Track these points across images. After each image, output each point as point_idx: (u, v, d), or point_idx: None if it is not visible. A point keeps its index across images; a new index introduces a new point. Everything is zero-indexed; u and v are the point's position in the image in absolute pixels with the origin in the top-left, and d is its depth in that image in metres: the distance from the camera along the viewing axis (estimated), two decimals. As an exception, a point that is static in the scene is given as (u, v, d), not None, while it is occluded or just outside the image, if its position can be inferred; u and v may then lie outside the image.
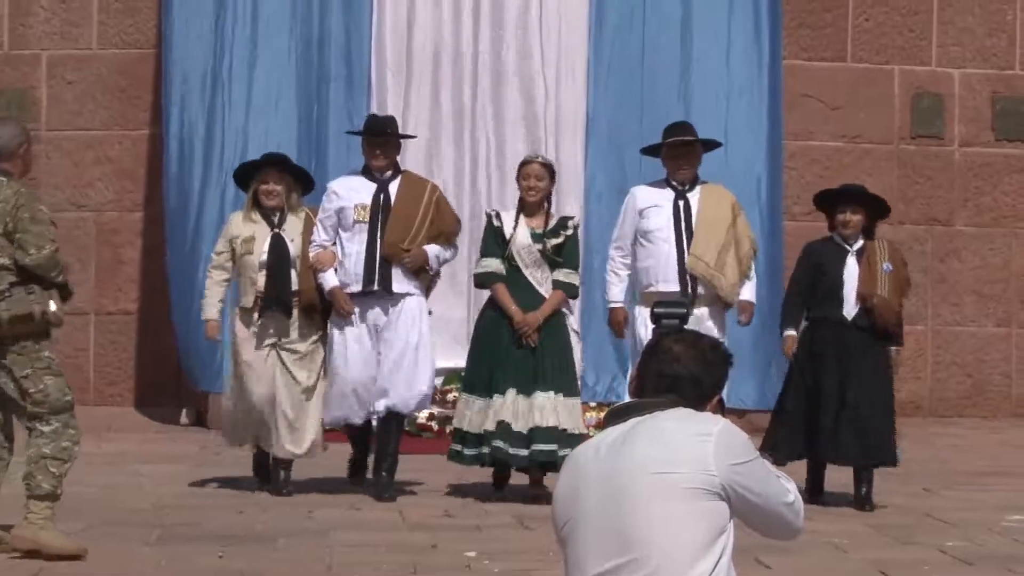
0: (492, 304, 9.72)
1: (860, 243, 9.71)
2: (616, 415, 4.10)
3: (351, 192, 9.67)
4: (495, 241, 9.69)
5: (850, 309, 9.54)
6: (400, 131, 10.05)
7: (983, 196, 14.82)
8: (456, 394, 13.41)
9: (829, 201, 9.95)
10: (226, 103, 13.48)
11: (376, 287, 9.48)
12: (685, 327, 4.58)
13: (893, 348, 9.79)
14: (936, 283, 13.26)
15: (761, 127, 14.35)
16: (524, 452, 9.25)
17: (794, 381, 9.82)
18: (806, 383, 9.71)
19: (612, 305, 9.85)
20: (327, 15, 14.69)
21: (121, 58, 14.78)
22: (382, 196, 9.60)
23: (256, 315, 9.69)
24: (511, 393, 9.31)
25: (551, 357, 9.49)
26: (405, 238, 9.53)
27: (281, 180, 9.72)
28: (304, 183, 10.05)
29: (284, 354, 9.72)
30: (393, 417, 9.73)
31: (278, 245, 9.63)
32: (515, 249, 9.56)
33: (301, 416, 9.78)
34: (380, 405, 9.59)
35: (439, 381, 13.58)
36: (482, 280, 9.84)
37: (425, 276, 9.75)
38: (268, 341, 9.70)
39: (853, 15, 14.83)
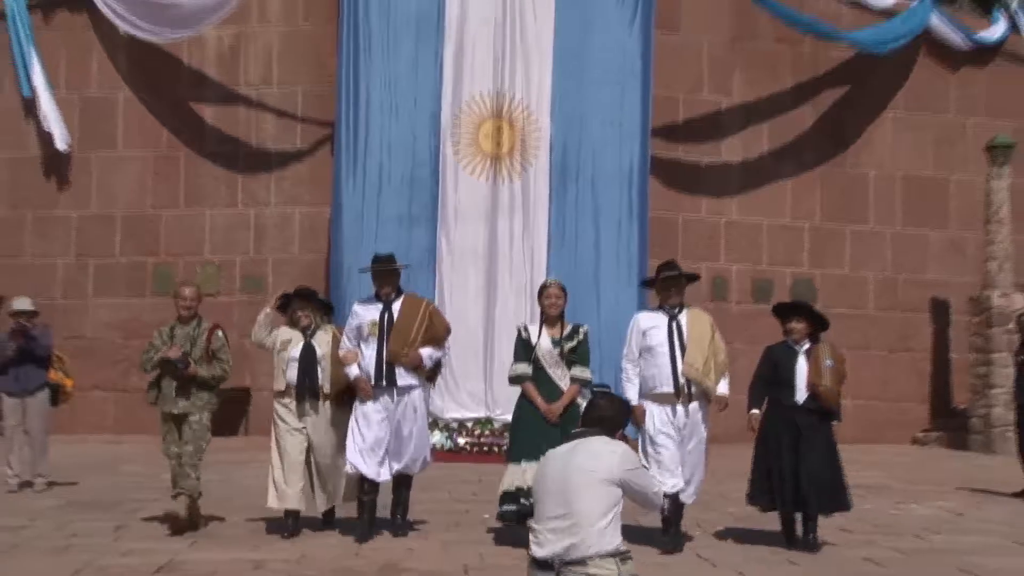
0: (523, 398, 9.52)
1: (807, 345, 9.64)
2: (572, 436, 6.01)
3: (366, 312, 9.78)
4: (524, 348, 9.53)
5: (801, 395, 9.51)
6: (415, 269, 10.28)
7: (751, 331, 16.87)
8: (480, 429, 17.11)
9: (783, 313, 9.96)
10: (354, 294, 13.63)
11: (384, 382, 9.59)
12: (609, 392, 6.45)
13: (834, 421, 9.78)
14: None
15: (632, 304, 16.33)
16: None
17: (761, 450, 9.82)
18: (770, 451, 9.68)
19: (632, 403, 9.19)
20: (416, 231, 17.83)
21: (307, 260, 18.83)
22: (387, 315, 9.69)
23: (286, 398, 9.94)
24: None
25: None
26: (404, 345, 9.59)
27: (307, 307, 10.07)
28: (327, 309, 10.55)
29: (313, 430, 9.91)
30: (404, 478, 9.89)
31: (309, 349, 9.86)
32: (540, 353, 9.42)
33: (328, 479, 10.00)
34: (395, 467, 9.72)
35: (470, 423, 17.20)
36: (515, 380, 9.60)
37: (423, 372, 9.77)
38: (295, 422, 9.90)
39: (682, 244, 18.81)
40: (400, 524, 9.86)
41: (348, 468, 9.71)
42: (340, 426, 9.89)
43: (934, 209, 20.55)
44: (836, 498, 9.55)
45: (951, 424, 19.86)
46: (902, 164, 20.59)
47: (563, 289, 9.70)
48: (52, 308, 17.53)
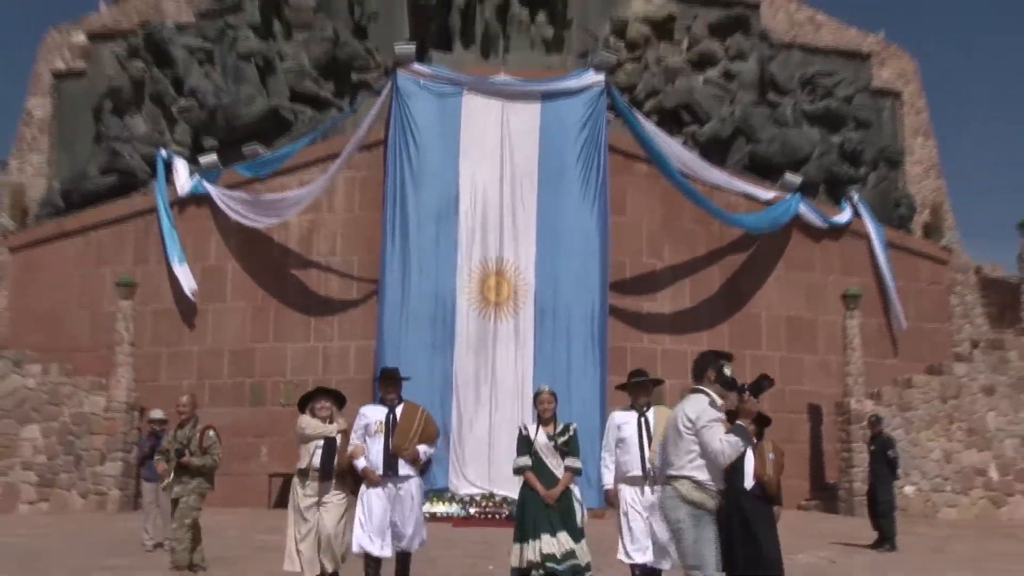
0: (525, 485, 8.54)
1: (753, 441, 8.42)
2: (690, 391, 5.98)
3: (373, 413, 8.92)
4: (525, 444, 8.59)
5: (749, 483, 8.50)
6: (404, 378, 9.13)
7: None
8: (485, 502, 16.75)
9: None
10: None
11: (389, 471, 8.71)
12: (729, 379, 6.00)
13: (776, 507, 8.82)
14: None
15: (596, 408, 17.09)
16: (561, 567, 8.14)
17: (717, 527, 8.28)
18: (722, 528, 7.89)
19: (607, 487, 8.64)
20: (436, 357, 17.47)
21: (360, 379, 17.87)
22: (391, 416, 8.83)
23: (307, 479, 8.86)
24: (546, 536, 8.20)
25: (568, 517, 8.34)
26: (405, 442, 8.76)
27: (327, 400, 9.08)
28: (340, 401, 9.27)
29: (323, 506, 8.84)
30: (405, 555, 8.86)
31: (330, 441, 8.87)
32: (538, 448, 8.50)
33: (332, 545, 8.83)
34: (397, 545, 8.76)
35: (478, 497, 16.80)
36: (518, 470, 8.63)
37: (418, 464, 8.94)
38: (314, 497, 8.85)
39: (630, 365, 16.20)
40: None
41: (355, 549, 8.78)
42: (343, 505, 8.92)
43: (808, 340, 20.51)
44: (774, 564, 8.50)
45: (824, 495, 19.63)
46: (784, 308, 20.57)
47: (554, 395, 8.74)
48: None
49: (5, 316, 20.65)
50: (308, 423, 8.95)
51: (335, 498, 8.83)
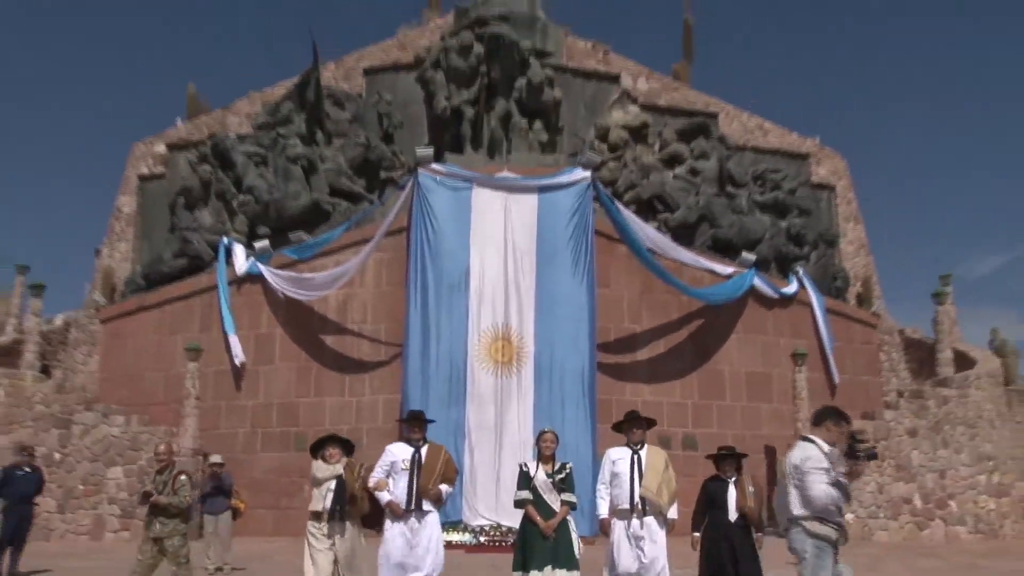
0: (525, 517, 8.00)
1: (735, 477, 8.43)
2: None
3: (399, 452, 8.31)
4: (525, 480, 8.04)
5: (732, 515, 8.20)
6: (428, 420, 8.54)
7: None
8: (493, 531, 16.29)
9: (716, 457, 8.65)
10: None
11: (413, 507, 8.14)
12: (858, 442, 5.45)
13: (759, 533, 8.38)
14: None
15: (588, 451, 16.80)
16: None
17: (705, 558, 8.35)
18: (711, 556, 8.24)
19: (601, 517, 8.08)
20: (451, 409, 16.97)
21: (387, 428, 17.62)
22: (416, 456, 8.24)
23: (321, 520, 8.31)
24: (547, 569, 7.68)
25: (564, 548, 7.78)
26: (430, 481, 8.20)
27: (336, 447, 8.52)
28: (348, 448, 8.71)
29: (338, 546, 8.28)
30: None
31: (340, 483, 8.32)
32: (537, 483, 7.95)
33: None
34: (417, 572, 8.12)
35: (487, 527, 16.40)
36: (519, 504, 8.09)
37: (441, 504, 8.40)
38: (328, 538, 8.28)
39: (615, 415, 15.48)
40: None
41: None
42: (356, 544, 8.35)
43: (764, 391, 19.98)
44: None
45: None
46: (744, 365, 20.11)
47: (556, 435, 8.22)
48: (235, 460, 17.39)
49: (96, 376, 20.56)
50: (319, 467, 8.43)
51: (348, 538, 8.31)
